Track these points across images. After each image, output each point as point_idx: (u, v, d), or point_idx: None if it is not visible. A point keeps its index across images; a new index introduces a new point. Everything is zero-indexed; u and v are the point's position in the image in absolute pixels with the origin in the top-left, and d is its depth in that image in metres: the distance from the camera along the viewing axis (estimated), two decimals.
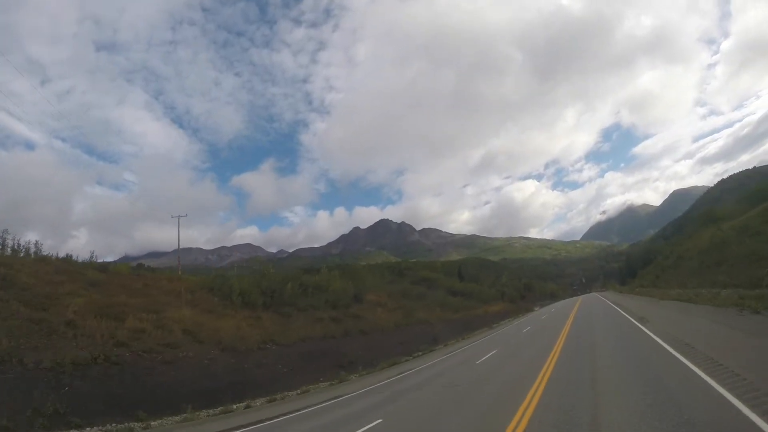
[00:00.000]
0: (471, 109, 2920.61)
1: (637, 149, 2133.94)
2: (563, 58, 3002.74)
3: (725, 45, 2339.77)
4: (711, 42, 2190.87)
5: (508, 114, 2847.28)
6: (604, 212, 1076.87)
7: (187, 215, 57.70)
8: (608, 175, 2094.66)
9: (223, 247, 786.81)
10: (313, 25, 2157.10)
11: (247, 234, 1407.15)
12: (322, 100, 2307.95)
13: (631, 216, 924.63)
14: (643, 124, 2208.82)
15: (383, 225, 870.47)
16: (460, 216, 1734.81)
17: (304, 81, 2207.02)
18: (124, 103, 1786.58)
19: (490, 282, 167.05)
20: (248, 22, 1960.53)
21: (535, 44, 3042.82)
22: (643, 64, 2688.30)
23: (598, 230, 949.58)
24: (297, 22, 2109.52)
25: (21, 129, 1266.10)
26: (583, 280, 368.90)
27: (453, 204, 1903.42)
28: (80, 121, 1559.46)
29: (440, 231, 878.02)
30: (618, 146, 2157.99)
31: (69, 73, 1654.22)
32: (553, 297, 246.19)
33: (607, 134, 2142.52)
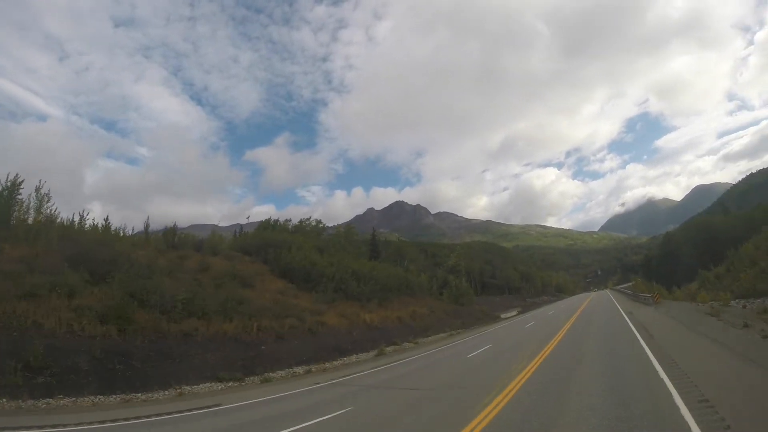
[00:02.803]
0: (494, 85, 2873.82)
1: (660, 142, 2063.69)
2: (593, 34, 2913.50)
3: (760, 35, 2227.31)
4: (746, 30, 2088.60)
5: (532, 92, 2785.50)
6: (623, 204, 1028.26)
7: None
8: (630, 167, 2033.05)
9: (237, 224, 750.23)
10: (334, 2, 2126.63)
11: (263, 212, 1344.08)
12: (341, 79, 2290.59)
13: (651, 209, 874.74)
14: (671, 112, 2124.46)
15: (398, 207, 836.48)
16: (478, 201, 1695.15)
17: (324, 59, 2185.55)
18: (143, 79, 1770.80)
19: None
20: None
21: (565, 18, 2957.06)
22: (676, 47, 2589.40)
23: (617, 222, 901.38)
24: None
25: (39, 104, 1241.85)
26: (599, 272, 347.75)
27: (471, 189, 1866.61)
28: (98, 97, 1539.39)
29: (456, 215, 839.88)
30: (641, 137, 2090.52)
31: (87, 50, 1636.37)
32: (559, 292, 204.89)
33: (631, 124, 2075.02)
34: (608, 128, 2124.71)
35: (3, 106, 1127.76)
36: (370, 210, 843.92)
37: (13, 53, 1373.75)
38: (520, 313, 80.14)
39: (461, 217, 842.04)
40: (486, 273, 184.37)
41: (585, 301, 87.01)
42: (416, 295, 65.37)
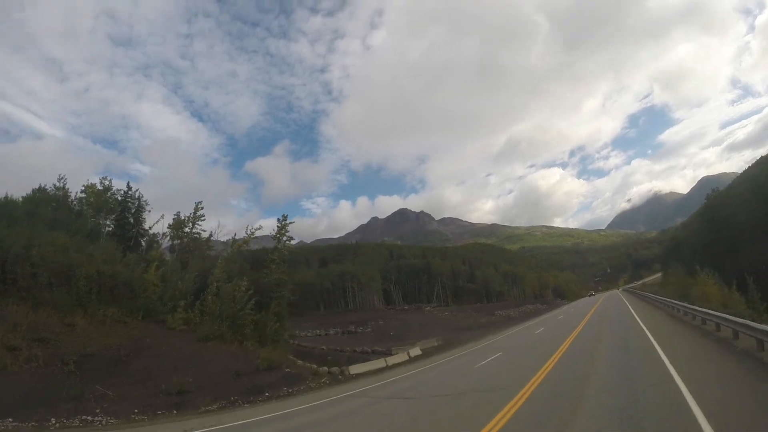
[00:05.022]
0: (494, 84, 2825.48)
1: (664, 136, 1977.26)
2: (594, 24, 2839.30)
3: (761, 19, 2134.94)
4: (747, 13, 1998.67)
5: (533, 90, 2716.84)
6: (629, 200, 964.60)
7: None
8: (635, 163, 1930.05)
9: (240, 239, 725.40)
10: (330, 12, 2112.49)
11: (267, 225, 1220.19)
12: (341, 89, 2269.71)
13: (657, 204, 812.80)
14: (675, 103, 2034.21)
15: (401, 214, 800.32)
16: (483, 205, 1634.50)
17: (322, 70, 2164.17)
18: (143, 97, 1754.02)
19: None
20: (263, 11, 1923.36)
21: (564, 8, 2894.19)
22: (678, 34, 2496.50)
23: (624, 219, 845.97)
24: (313, 10, 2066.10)
25: (41, 126, 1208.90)
26: (608, 270, 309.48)
27: (476, 193, 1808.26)
28: (99, 117, 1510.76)
29: (460, 220, 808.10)
30: (645, 132, 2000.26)
31: (87, 70, 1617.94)
32: (559, 297, 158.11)
33: (634, 119, 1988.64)
34: (611, 125, 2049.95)
35: (7, 131, 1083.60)
36: (374, 219, 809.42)
37: (12, 76, 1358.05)
38: (413, 359, 32.94)
39: (466, 221, 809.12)
40: (462, 275, 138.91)
41: (578, 324, 39.48)
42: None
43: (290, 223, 39.22)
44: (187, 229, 42.20)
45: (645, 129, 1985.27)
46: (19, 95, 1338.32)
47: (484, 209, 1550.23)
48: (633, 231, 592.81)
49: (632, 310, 44.78)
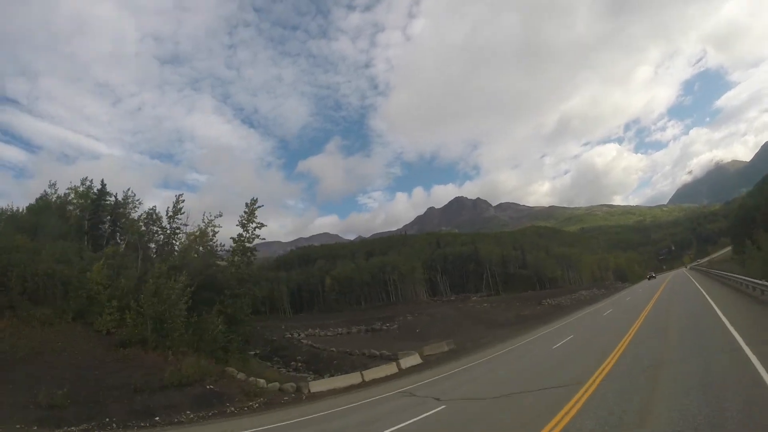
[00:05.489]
0: (541, 61, 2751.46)
1: (721, 101, 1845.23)
2: None
3: None
4: None
5: (581, 63, 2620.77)
6: (690, 172, 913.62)
7: None
8: (693, 132, 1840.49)
9: (300, 239, 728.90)
10: (367, 7, 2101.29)
11: (326, 223, 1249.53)
12: (387, 83, 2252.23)
13: (720, 174, 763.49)
14: (731, 64, 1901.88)
15: (458, 203, 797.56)
16: (540, 188, 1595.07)
17: (367, 65, 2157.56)
18: (195, 110, 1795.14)
19: None
20: (301, 14, 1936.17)
21: None
22: None
23: (685, 192, 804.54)
24: (350, 7, 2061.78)
25: (101, 148, 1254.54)
26: (672, 248, 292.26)
27: (532, 176, 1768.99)
28: (154, 133, 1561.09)
29: (518, 205, 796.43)
30: (701, 99, 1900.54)
31: (138, 91, 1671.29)
32: (620, 279, 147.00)
33: (688, 86, 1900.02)
34: (665, 93, 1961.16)
35: (67, 155, 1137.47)
36: (431, 209, 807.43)
37: (68, 104, 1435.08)
38: (403, 372, 24.43)
39: (523, 205, 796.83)
40: (512, 261, 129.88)
41: (630, 326, 27.46)
42: None
43: (259, 207, 33.11)
44: (164, 224, 37.16)
45: (701, 95, 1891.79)
46: (76, 121, 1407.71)
47: (541, 192, 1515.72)
48: (696, 204, 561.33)
49: (707, 297, 32.95)
